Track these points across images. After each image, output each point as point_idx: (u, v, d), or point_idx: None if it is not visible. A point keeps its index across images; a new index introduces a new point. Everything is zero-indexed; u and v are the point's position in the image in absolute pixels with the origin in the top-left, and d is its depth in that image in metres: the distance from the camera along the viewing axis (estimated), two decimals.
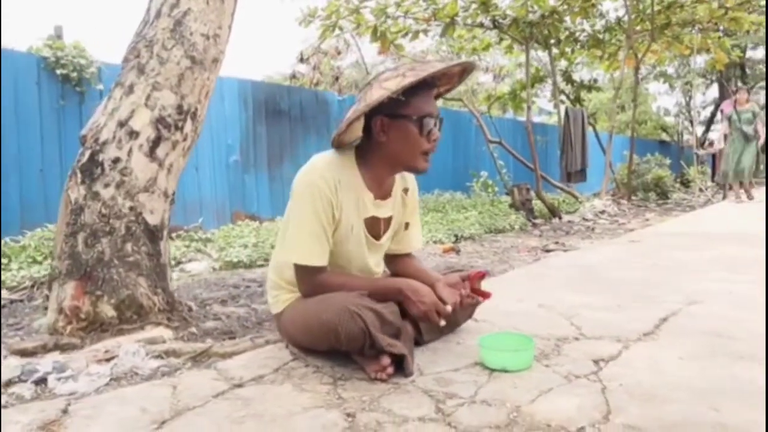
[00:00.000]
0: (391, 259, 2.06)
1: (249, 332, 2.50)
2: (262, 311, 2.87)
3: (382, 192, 1.85)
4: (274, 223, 5.94)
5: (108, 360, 1.85)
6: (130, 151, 2.45)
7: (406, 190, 1.97)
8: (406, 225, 2.01)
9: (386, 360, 1.59)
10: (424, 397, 1.49)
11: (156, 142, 2.50)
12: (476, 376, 1.63)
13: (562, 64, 10.83)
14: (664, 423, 1.31)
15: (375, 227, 1.87)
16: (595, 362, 1.72)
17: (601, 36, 8.70)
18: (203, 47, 2.64)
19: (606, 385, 1.54)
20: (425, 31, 6.88)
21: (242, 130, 6.40)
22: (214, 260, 4.55)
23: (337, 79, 11.09)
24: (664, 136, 18.46)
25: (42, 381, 1.68)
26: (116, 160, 2.43)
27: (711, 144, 15.79)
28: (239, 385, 1.59)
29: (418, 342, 1.88)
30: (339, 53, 10.80)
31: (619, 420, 1.33)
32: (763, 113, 9.21)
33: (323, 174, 1.71)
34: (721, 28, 8.80)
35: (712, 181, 12.78)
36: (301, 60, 10.89)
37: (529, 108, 8.22)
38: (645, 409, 1.38)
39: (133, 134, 2.47)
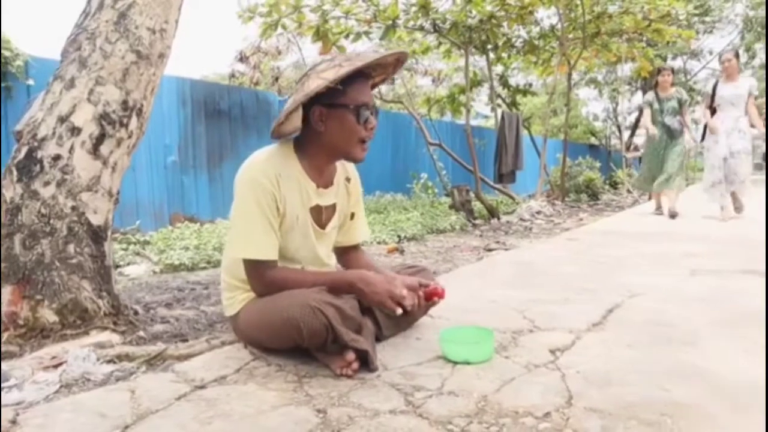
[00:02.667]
0: (340, 253, 2.07)
1: (201, 334, 2.43)
2: (212, 313, 2.80)
3: (324, 180, 1.88)
4: (214, 224, 5.79)
5: (56, 366, 1.76)
6: (71, 149, 2.34)
7: (348, 179, 2.00)
8: (352, 215, 2.04)
9: (351, 356, 1.60)
10: (392, 390, 1.50)
11: (100, 139, 2.40)
12: (440, 369, 1.66)
13: (499, 68, 11.14)
14: (623, 404, 1.39)
15: (319, 216, 1.89)
16: (552, 352, 1.79)
17: (536, 42, 9.00)
18: (149, 41, 2.55)
19: (564, 372, 1.60)
20: (367, 33, 6.91)
21: (180, 129, 6.22)
22: (154, 263, 4.40)
23: (277, 79, 10.93)
24: (593, 140, 19.35)
25: None
26: (57, 158, 2.32)
27: (636, 148, 16.66)
28: (201, 387, 1.55)
29: (378, 338, 1.89)
30: (279, 53, 10.66)
31: (581, 404, 1.39)
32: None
33: (264, 168, 1.72)
34: (646, 38, 9.28)
35: None
36: (241, 59, 10.65)
37: (468, 111, 8.41)
38: (604, 393, 1.46)
39: (75, 130, 2.36)
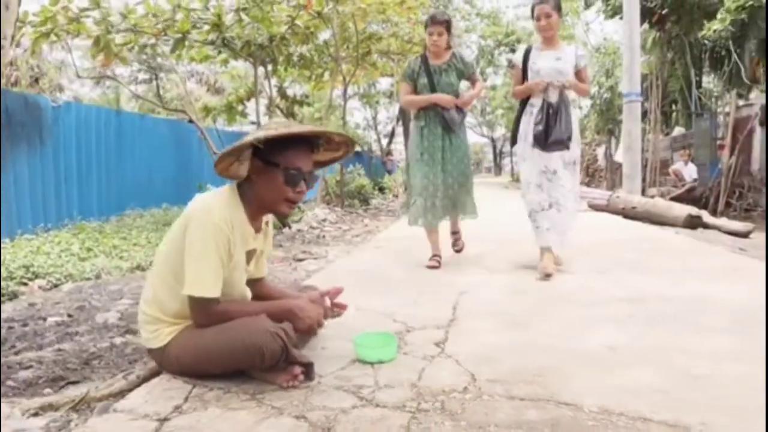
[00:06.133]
0: (250, 285, 2.27)
1: (86, 373, 2.36)
2: (74, 351, 2.67)
3: (258, 226, 2.11)
4: None
5: None
6: None
7: (267, 223, 2.23)
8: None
9: (297, 369, 1.87)
10: (341, 392, 1.81)
11: None
12: (363, 369, 2.01)
13: (274, 80, 11.52)
14: (510, 373, 1.93)
15: (250, 257, 2.11)
16: (437, 345, 2.27)
17: (315, 59, 9.62)
18: None
19: (456, 358, 2.10)
20: (153, 46, 6.70)
21: None
22: None
23: (37, 80, 9.57)
24: (356, 148, 20.94)
25: None
26: None
27: (390, 153, 18.58)
28: (166, 419, 1.65)
29: None
30: (39, 50, 9.34)
31: (483, 378, 1.89)
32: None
33: (224, 216, 1.89)
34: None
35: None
36: None
37: (258, 121, 8.63)
38: (492, 368, 1.98)
39: None
